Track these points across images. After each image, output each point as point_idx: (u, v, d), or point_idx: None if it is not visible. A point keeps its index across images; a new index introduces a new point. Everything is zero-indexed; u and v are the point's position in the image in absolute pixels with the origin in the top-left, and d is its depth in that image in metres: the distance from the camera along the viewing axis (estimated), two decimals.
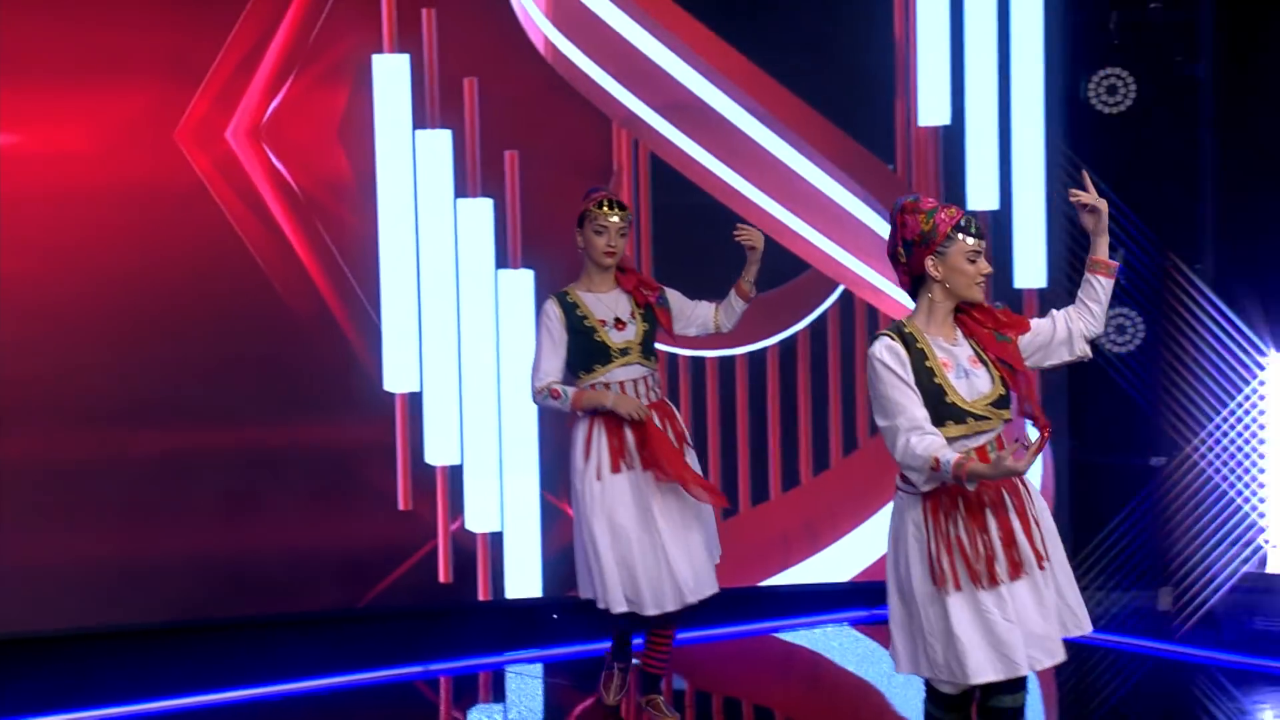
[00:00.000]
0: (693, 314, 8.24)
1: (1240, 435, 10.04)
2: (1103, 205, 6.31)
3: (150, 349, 9.51)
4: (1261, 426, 9.95)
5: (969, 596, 6.04)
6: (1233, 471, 10.16)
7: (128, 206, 9.59)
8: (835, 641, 10.42)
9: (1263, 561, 10.11)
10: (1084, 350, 6.32)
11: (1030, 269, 10.48)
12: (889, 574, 6.37)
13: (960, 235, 5.76)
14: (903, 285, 6.03)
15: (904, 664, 6.27)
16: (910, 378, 6.00)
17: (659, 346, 8.25)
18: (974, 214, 6.14)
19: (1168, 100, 10.47)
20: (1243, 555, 10.05)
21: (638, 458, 7.91)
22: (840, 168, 10.30)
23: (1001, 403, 6.10)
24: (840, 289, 10.26)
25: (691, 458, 8.22)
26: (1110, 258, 6.35)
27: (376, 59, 9.60)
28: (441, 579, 9.73)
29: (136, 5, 9.78)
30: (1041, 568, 5.97)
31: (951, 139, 10.46)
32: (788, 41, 10.45)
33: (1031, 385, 6.16)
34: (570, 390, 7.86)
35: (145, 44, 9.68)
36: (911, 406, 5.88)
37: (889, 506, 9.83)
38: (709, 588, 8.02)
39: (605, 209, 7.93)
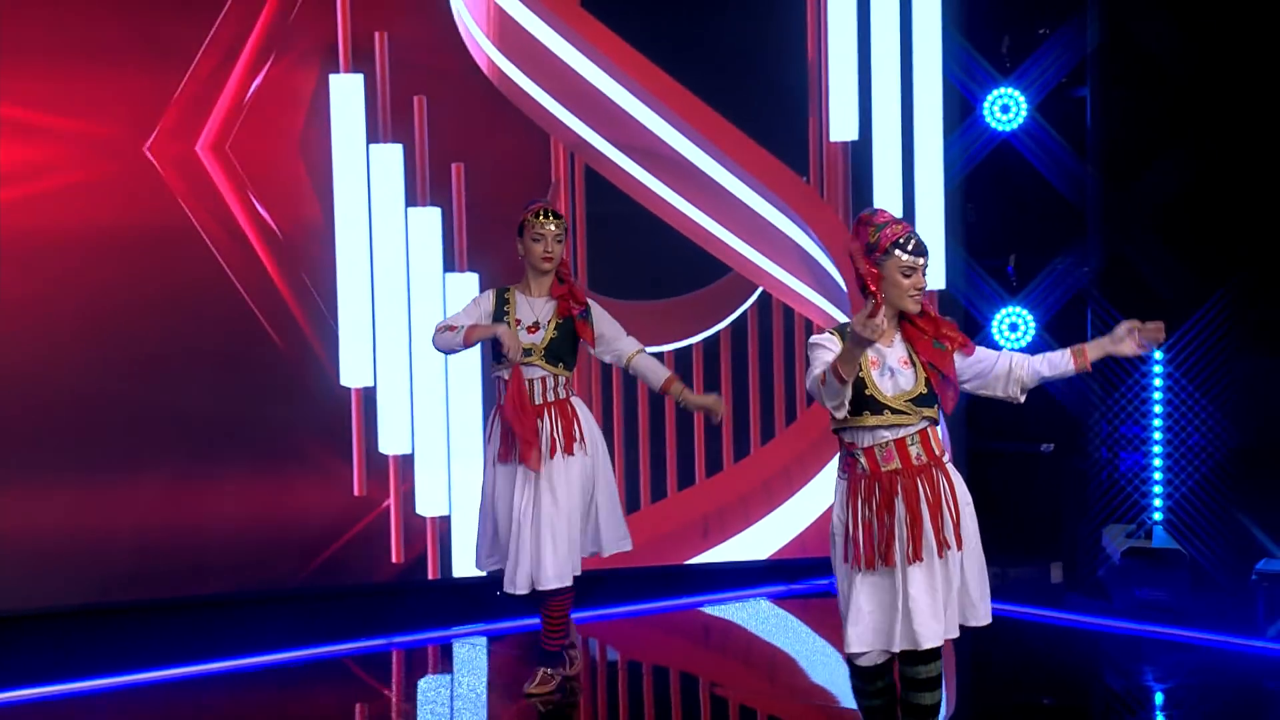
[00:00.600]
0: (613, 344, 8.60)
1: (1125, 422, 10.44)
2: (1132, 350, 6.66)
3: (115, 341, 9.73)
4: (1144, 415, 10.32)
5: (867, 574, 6.45)
6: (1117, 455, 10.66)
7: (102, 210, 9.86)
8: (754, 615, 10.77)
9: (1148, 536, 10.59)
10: (1015, 394, 6.63)
11: (929, 272, 10.91)
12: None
13: (897, 251, 6.08)
14: (856, 287, 6.39)
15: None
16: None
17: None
18: (915, 234, 6.43)
19: (1055, 118, 10.98)
20: (1128, 530, 10.50)
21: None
22: (758, 178, 10.73)
23: (922, 401, 6.43)
24: (759, 291, 10.70)
25: (596, 451, 8.54)
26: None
27: (333, 78, 9.93)
28: (394, 559, 10.05)
29: (105, 27, 9.91)
30: (941, 555, 6.33)
31: (859, 153, 10.86)
32: (709, 60, 10.82)
33: (953, 393, 6.48)
34: (465, 326, 8.19)
35: (119, 65, 9.94)
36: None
37: (804, 489, 10.41)
38: (558, 580, 8.41)
39: (542, 218, 8.26)
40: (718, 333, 10.71)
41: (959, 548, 6.43)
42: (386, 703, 9.70)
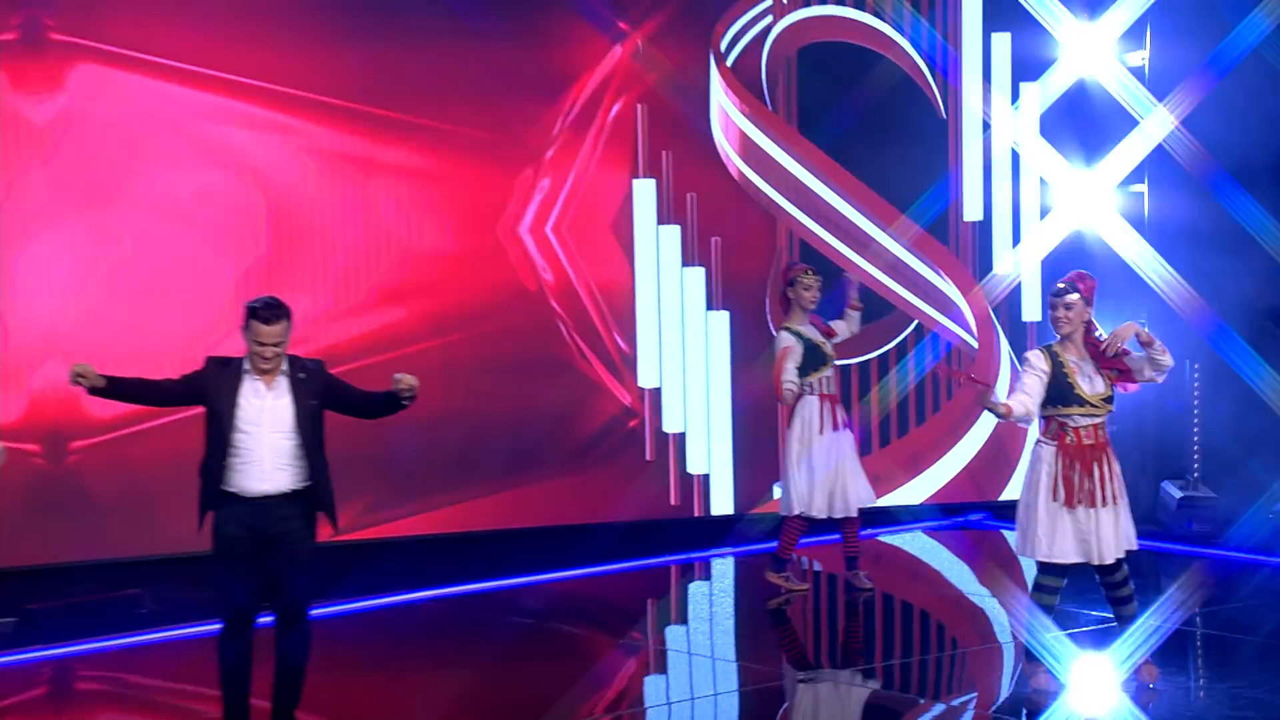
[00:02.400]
0: (842, 331, 10.55)
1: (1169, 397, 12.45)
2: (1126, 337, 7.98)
3: (467, 366, 11.64)
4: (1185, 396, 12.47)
5: (1066, 510, 8.05)
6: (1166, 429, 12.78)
7: (475, 277, 11.90)
8: (913, 543, 12.74)
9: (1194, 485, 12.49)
10: (1156, 378, 8.09)
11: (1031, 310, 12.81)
12: (1022, 493, 8.28)
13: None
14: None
15: (1021, 549, 8.22)
16: (1045, 374, 7.95)
17: None
18: (1058, 287, 8.12)
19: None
20: (1179, 484, 12.29)
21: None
22: (916, 246, 12.81)
23: (1109, 400, 8.02)
24: (914, 323, 12.79)
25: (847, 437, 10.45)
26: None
27: (636, 182, 12.14)
28: (672, 502, 12.32)
29: (463, 138, 11.87)
30: (1111, 504, 8.02)
31: (983, 229, 13.05)
32: (885, 167, 12.78)
33: (1133, 388, 8.19)
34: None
35: (470, 162, 11.94)
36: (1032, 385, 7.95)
37: (944, 458, 12.69)
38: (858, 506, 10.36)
39: (810, 275, 10.30)
40: (887, 350, 12.83)
41: (1116, 502, 8.05)
42: (669, 593, 11.67)
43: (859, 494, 10.50)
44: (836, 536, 10.78)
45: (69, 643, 9.85)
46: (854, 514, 10.50)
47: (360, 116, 11.72)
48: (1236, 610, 10.35)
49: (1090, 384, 8.07)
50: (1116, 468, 8.23)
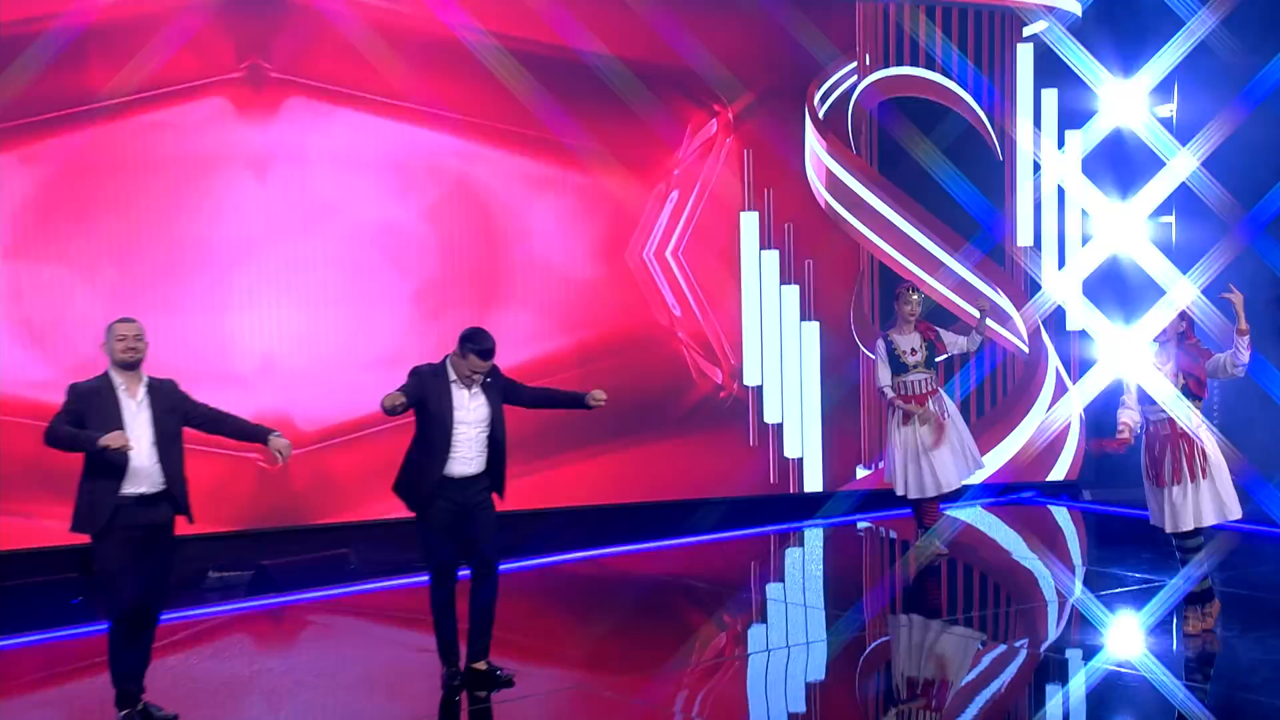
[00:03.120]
0: (952, 343, 10.74)
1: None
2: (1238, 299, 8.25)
3: (604, 369, 11.81)
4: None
5: (1157, 487, 8.47)
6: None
7: (594, 292, 12.15)
8: (974, 515, 12.79)
9: None
10: (1236, 374, 8.34)
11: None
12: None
13: None
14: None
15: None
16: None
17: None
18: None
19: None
20: None
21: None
22: (977, 268, 13.04)
23: (1187, 394, 8.40)
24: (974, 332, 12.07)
25: (956, 425, 10.68)
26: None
27: (743, 214, 12.40)
28: (771, 481, 12.64)
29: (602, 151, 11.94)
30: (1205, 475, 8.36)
31: (1031, 254, 13.25)
32: (953, 198, 12.83)
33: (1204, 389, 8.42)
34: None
35: (608, 198, 12.09)
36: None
37: (1006, 440, 12.63)
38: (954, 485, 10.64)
39: (910, 292, 10.70)
40: (951, 356, 11.85)
41: (1205, 476, 8.43)
42: (770, 556, 11.98)
43: (936, 481, 10.73)
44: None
45: (293, 591, 10.42)
46: (929, 495, 10.77)
47: (528, 146, 11.91)
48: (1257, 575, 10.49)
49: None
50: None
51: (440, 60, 11.53)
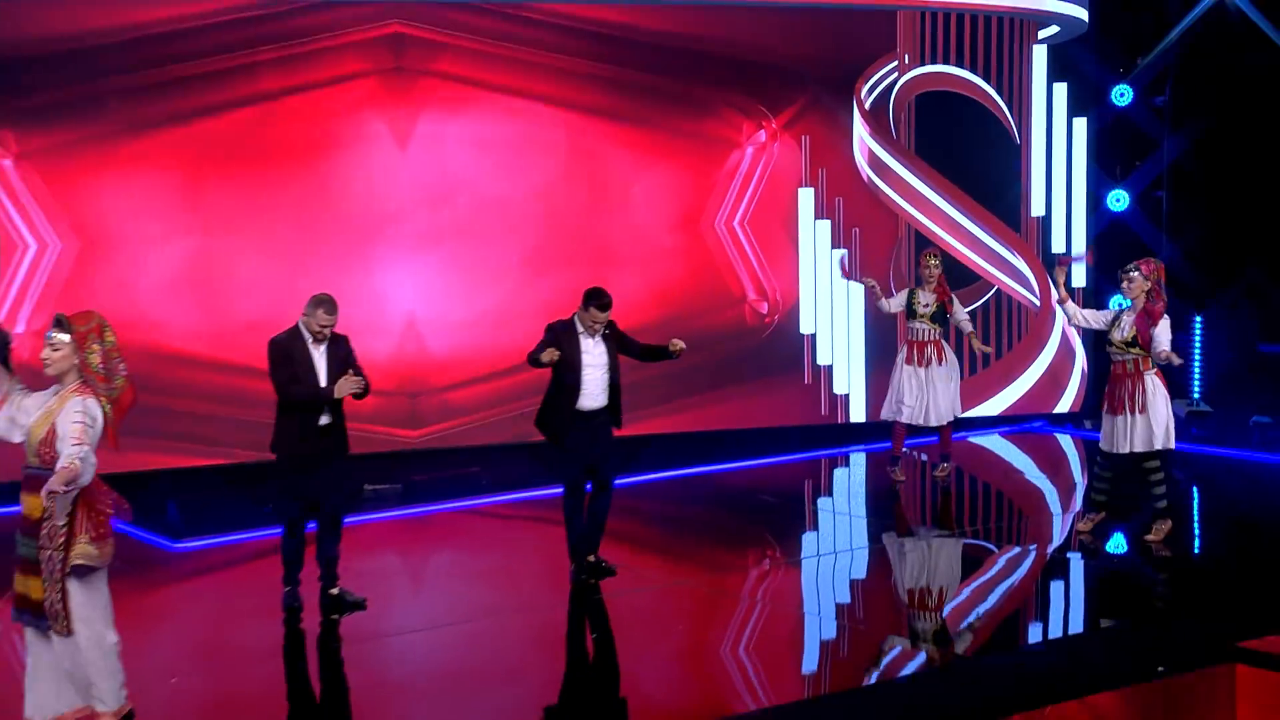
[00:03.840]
0: (957, 312, 10.76)
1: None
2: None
3: (682, 324, 11.62)
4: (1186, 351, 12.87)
5: (1109, 415, 8.73)
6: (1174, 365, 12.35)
7: (672, 255, 12.47)
8: (993, 443, 13.18)
9: (1197, 404, 12.40)
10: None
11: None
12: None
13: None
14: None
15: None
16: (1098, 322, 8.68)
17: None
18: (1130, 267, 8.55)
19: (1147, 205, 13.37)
20: (1187, 404, 11.11)
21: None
22: (995, 233, 13.30)
23: (1133, 344, 8.61)
24: (994, 289, 13.35)
25: (952, 364, 10.77)
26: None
27: (800, 190, 12.62)
28: (822, 413, 13.07)
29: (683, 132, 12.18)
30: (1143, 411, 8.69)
31: (1045, 221, 13.57)
32: (976, 173, 13.08)
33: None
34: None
35: (685, 173, 12.33)
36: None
37: (1020, 379, 12.98)
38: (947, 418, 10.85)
39: (929, 257, 10.87)
40: (975, 309, 12.95)
41: (1142, 411, 8.73)
42: (821, 474, 12.26)
43: (940, 412, 11.05)
44: (935, 438, 11.52)
45: (435, 502, 10.85)
46: (932, 423, 11.07)
47: (619, 130, 12.18)
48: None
49: (1121, 334, 8.93)
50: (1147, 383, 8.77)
51: (550, 59, 11.86)
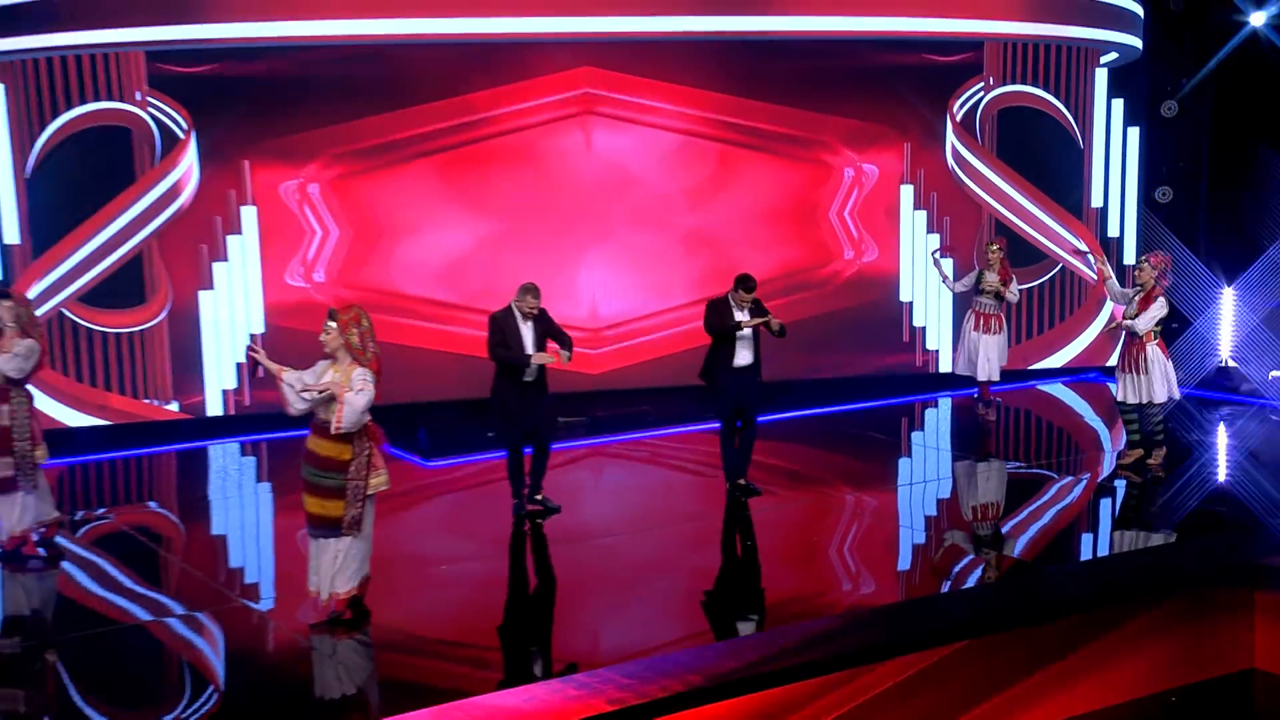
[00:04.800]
0: (1011, 292, 11.16)
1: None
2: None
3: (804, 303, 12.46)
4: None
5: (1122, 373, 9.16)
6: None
7: (790, 240, 12.87)
8: (1058, 390, 13.48)
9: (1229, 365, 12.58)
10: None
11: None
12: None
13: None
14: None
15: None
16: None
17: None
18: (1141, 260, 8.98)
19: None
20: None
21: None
22: (1061, 220, 13.59)
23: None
24: (1059, 266, 13.65)
25: (999, 340, 11.20)
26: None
27: (902, 186, 12.95)
28: (917, 364, 13.41)
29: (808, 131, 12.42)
30: (1144, 370, 9.19)
31: (1104, 212, 13.85)
32: (1045, 167, 13.29)
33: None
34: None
35: (803, 172, 12.60)
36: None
37: (1077, 340, 13.42)
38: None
39: (992, 244, 11.55)
40: (1041, 283, 13.57)
41: (1144, 371, 9.22)
42: (914, 415, 12.44)
43: (990, 369, 11.70)
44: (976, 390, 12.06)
45: (611, 434, 11.48)
46: (981, 378, 11.69)
47: (757, 141, 12.56)
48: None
49: (1130, 310, 9.56)
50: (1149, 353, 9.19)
51: (701, 83, 12.44)
